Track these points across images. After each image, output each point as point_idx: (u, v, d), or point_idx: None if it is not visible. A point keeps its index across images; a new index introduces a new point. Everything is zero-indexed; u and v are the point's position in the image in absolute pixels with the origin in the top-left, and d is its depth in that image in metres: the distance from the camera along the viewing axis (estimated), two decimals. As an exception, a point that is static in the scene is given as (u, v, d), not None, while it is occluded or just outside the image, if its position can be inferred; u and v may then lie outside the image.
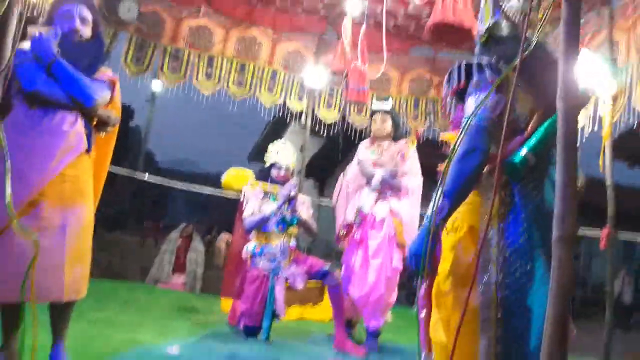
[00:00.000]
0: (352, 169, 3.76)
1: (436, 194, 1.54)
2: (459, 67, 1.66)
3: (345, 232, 3.63)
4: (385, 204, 3.49)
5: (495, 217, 1.54)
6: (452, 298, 1.58)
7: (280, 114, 5.37)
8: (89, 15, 2.24)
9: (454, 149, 1.52)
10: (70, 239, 2.04)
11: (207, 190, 6.14)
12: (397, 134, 3.69)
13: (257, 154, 19.09)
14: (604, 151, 3.41)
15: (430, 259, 1.53)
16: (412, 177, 3.57)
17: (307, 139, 5.36)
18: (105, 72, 2.31)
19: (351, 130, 5.33)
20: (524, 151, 1.51)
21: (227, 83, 5.05)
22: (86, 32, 2.23)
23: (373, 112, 3.71)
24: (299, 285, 3.35)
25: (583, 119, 3.71)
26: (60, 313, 2.12)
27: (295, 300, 4.23)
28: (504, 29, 1.68)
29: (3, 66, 1.75)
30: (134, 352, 2.66)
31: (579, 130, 3.58)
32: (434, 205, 1.53)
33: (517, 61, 1.40)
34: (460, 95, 1.68)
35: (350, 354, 3.17)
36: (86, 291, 2.14)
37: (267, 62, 5.15)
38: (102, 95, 2.22)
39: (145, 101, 17.22)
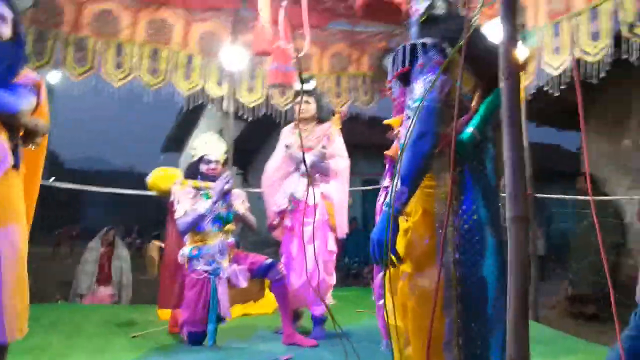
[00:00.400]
0: (277, 155, 3.64)
1: (393, 180, 1.54)
2: (404, 49, 1.64)
3: (279, 220, 3.49)
4: (316, 189, 3.42)
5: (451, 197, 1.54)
6: (407, 282, 1.58)
7: (199, 101, 5.01)
8: (7, 13, 1.97)
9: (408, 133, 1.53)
10: (6, 269, 1.80)
11: (122, 190, 5.69)
12: (321, 116, 3.60)
13: (170, 144, 18.28)
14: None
15: (394, 246, 1.54)
16: (340, 159, 3.55)
17: (230, 124, 5.07)
18: (27, 74, 2.03)
19: (274, 113, 5.11)
20: (470, 129, 1.56)
21: (140, 72, 4.62)
22: (5, 31, 1.96)
23: (297, 94, 3.59)
24: (242, 283, 3.18)
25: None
26: None
27: (236, 299, 4.05)
28: (441, 8, 1.70)
29: None
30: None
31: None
32: (391, 192, 1.53)
33: (463, 42, 1.40)
34: (403, 78, 1.67)
35: (301, 346, 3.09)
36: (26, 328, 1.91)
37: (181, 45, 4.75)
38: (26, 102, 1.95)
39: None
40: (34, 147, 2.07)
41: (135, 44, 4.59)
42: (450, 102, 1.55)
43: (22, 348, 2.74)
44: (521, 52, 3.48)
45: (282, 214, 3.48)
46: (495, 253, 1.55)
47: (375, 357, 2.26)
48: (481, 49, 1.56)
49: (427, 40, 1.59)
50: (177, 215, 3.16)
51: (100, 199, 20.97)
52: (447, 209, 1.47)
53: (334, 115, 3.67)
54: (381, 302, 1.79)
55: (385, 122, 1.96)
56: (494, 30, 3.17)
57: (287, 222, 3.44)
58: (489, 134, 1.65)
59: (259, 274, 3.27)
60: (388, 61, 1.75)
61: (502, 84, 1.22)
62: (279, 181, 3.57)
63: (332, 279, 3.50)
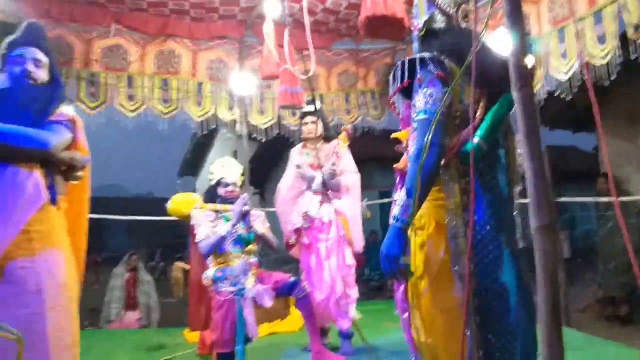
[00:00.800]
0: (288, 175, 3.74)
1: (399, 194, 1.58)
2: (402, 65, 1.67)
3: (295, 239, 3.56)
4: (329, 205, 3.52)
5: (459, 208, 1.57)
6: (429, 298, 1.59)
7: (212, 126, 5.15)
8: (43, 58, 2.11)
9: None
10: (50, 303, 1.87)
11: (142, 217, 5.82)
12: (327, 134, 3.72)
13: (186, 168, 18.57)
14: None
15: (401, 259, 1.54)
16: (349, 175, 3.64)
17: (244, 146, 5.19)
18: (62, 111, 2.14)
19: (286, 132, 5.23)
20: (475, 139, 1.54)
21: (152, 102, 4.78)
22: (41, 75, 2.10)
23: (302, 115, 3.70)
24: (267, 303, 3.23)
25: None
26: None
27: (263, 319, 4.11)
28: (440, 21, 1.72)
29: None
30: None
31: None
32: (397, 204, 1.56)
33: (471, 57, 1.43)
34: (406, 93, 1.69)
35: (331, 364, 3.12)
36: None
37: (190, 74, 4.93)
38: (59, 137, 2.04)
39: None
40: (75, 180, 2.16)
41: (146, 76, 4.75)
42: (452, 114, 1.59)
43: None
44: (528, 59, 3.54)
45: (297, 232, 3.55)
46: (510, 263, 1.54)
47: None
48: (483, 59, 1.56)
49: (425, 55, 1.62)
50: (198, 238, 3.24)
51: (121, 225, 21.25)
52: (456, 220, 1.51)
53: (340, 133, 3.76)
54: (405, 315, 1.80)
55: (393, 135, 1.98)
56: (499, 40, 3.25)
57: (305, 239, 3.51)
58: (500, 142, 1.65)
59: (283, 293, 3.32)
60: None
61: (515, 95, 1.24)
62: (293, 200, 3.66)
63: (355, 293, 3.55)
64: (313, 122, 3.63)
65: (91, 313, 7.05)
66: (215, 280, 3.26)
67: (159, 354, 3.62)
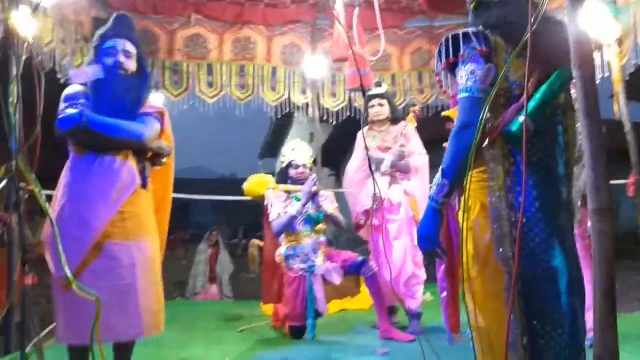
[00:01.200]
0: (356, 157, 3.77)
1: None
2: (447, 41, 1.61)
3: (363, 220, 3.61)
4: (398, 186, 3.54)
5: (502, 190, 1.50)
6: (479, 282, 1.55)
7: (286, 110, 5.30)
8: (132, 49, 2.27)
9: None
10: (140, 275, 2.11)
11: (223, 197, 6.13)
12: (394, 116, 3.69)
13: (267, 151, 19.20)
14: (617, 96, 3.30)
15: (437, 239, 1.55)
16: (418, 156, 3.63)
17: (317, 129, 5.30)
18: (153, 104, 2.35)
19: (357, 114, 5.26)
20: (520, 118, 1.44)
21: (230, 88, 5.02)
22: (131, 65, 2.26)
23: (370, 98, 3.70)
24: (336, 280, 3.35)
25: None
26: (124, 348, 2.21)
27: (333, 296, 4.24)
28: None
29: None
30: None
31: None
32: (434, 185, 1.54)
33: (528, 35, 1.34)
34: (452, 70, 1.63)
35: (398, 341, 3.19)
36: (163, 325, 2.23)
37: (265, 59, 5.09)
38: (151, 129, 2.24)
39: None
40: (160, 166, 2.36)
41: (224, 63, 4.98)
42: (497, 92, 1.48)
43: (147, 341, 3.14)
44: (613, 30, 3.28)
45: (367, 213, 3.60)
46: (560, 247, 1.46)
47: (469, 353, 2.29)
48: (538, 30, 1.41)
49: (469, 30, 1.55)
50: (270, 217, 3.42)
51: (208, 205, 22.43)
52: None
53: (407, 114, 3.73)
54: (444, 294, 1.79)
55: (444, 113, 1.91)
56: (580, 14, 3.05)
57: (375, 221, 3.55)
58: (557, 119, 1.55)
59: (351, 271, 3.43)
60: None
61: (574, 73, 1.19)
62: (361, 182, 3.70)
63: (423, 274, 3.57)
64: (380, 104, 3.64)
65: (179, 285, 7.62)
66: (287, 257, 3.43)
67: (237, 323, 3.86)
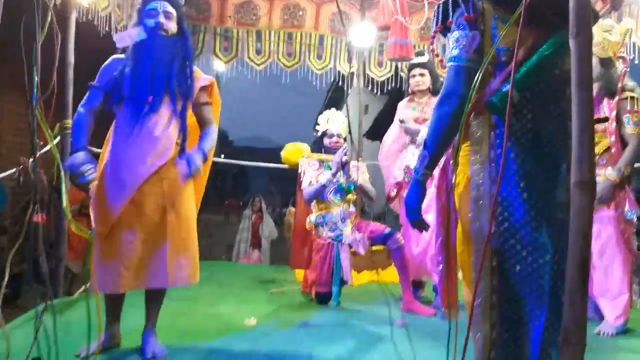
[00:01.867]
0: (393, 129, 3.70)
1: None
2: (438, 7, 1.56)
3: (395, 192, 3.58)
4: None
5: (486, 161, 1.43)
6: (467, 256, 1.51)
7: (336, 81, 5.28)
8: (173, 11, 2.35)
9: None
10: (171, 232, 2.23)
11: (257, 164, 6.22)
12: (435, 87, 3.57)
13: (323, 122, 19.13)
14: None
15: (419, 209, 1.53)
16: None
17: (361, 101, 5.24)
18: (202, 76, 2.45)
19: (404, 85, 5.13)
20: (505, 87, 1.36)
21: (277, 55, 5.06)
22: (171, 26, 2.34)
23: (411, 67, 3.59)
24: (362, 251, 3.37)
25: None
26: (154, 299, 2.34)
27: (364, 266, 4.26)
28: None
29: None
30: (214, 326, 2.83)
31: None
32: (418, 156, 1.52)
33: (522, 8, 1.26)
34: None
35: (419, 314, 3.19)
36: (197, 278, 2.34)
37: (313, 27, 5.06)
38: (212, 143, 2.46)
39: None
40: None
41: (272, 30, 5.01)
42: (482, 60, 1.41)
43: (181, 296, 3.32)
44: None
45: (399, 185, 3.56)
46: (546, 224, 1.38)
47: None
48: None
49: None
50: (303, 185, 3.48)
51: (264, 172, 22.92)
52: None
53: None
54: (440, 267, 1.76)
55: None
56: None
57: (404, 193, 3.51)
58: (554, 92, 1.44)
59: (377, 242, 3.43)
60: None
61: (571, 41, 1.12)
62: (396, 154, 3.65)
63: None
64: (421, 75, 3.54)
65: (228, 249, 7.94)
66: (316, 225, 3.48)
67: (270, 286, 4.01)
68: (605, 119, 2.77)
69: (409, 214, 1.55)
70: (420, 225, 1.57)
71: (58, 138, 3.21)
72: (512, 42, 1.38)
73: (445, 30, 1.54)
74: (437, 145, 1.48)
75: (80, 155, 2.21)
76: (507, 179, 1.39)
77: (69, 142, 2.99)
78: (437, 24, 1.54)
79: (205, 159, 2.40)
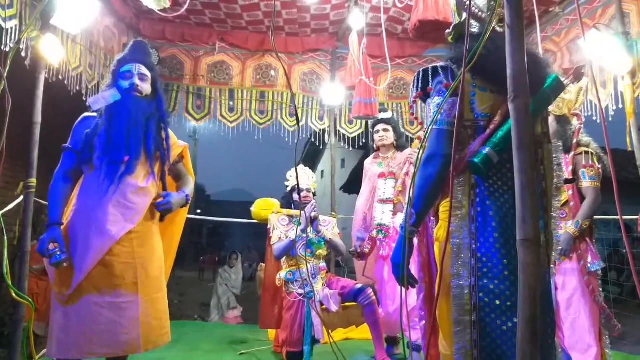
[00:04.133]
0: (364, 191, 3.78)
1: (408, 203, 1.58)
2: (418, 74, 1.66)
3: (369, 248, 3.58)
4: (401, 214, 3.49)
5: (466, 219, 1.51)
6: (446, 309, 1.55)
7: (309, 136, 5.40)
8: (147, 73, 2.39)
9: (417, 158, 1.54)
10: (142, 292, 2.16)
11: (229, 219, 6.19)
12: (399, 143, 3.69)
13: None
14: (629, 129, 3.19)
15: (407, 266, 1.56)
16: None
17: (333, 155, 5.34)
18: (178, 142, 2.51)
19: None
20: (486, 149, 1.48)
21: (250, 113, 5.16)
22: (146, 88, 2.38)
23: (375, 124, 3.71)
24: (333, 307, 3.32)
25: (605, 97, 3.53)
26: None
27: (338, 324, 4.19)
28: (472, 27, 1.65)
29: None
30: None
31: (603, 109, 3.37)
32: (404, 214, 1.58)
33: (462, 71, 1.39)
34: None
35: (391, 373, 3.12)
36: (169, 338, 2.27)
37: (285, 86, 5.23)
38: (191, 190, 2.49)
39: (189, 137, 17.83)
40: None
41: (245, 89, 5.15)
42: (464, 124, 1.53)
43: (145, 359, 3.19)
44: (626, 62, 3.20)
45: (372, 241, 3.56)
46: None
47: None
48: (503, 62, 1.43)
49: (438, 64, 1.61)
50: (272, 241, 3.45)
51: (240, 227, 22.71)
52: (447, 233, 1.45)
53: (412, 142, 3.72)
54: (422, 323, 1.78)
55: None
56: (591, 39, 2.98)
57: (382, 252, 3.52)
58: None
59: (349, 299, 3.39)
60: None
61: (509, 105, 1.20)
62: (369, 212, 3.68)
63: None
64: (385, 130, 3.65)
65: (203, 308, 7.72)
66: (287, 282, 3.43)
67: (240, 347, 3.88)
68: (573, 180, 2.87)
69: (396, 270, 1.56)
70: (407, 281, 1.57)
71: (21, 197, 3.17)
72: (489, 108, 1.52)
73: (424, 96, 1.64)
74: (423, 203, 1.54)
75: (51, 234, 2.11)
76: (486, 235, 1.46)
77: (32, 201, 2.94)
78: (417, 89, 1.64)
79: (187, 200, 2.41)
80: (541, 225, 1.52)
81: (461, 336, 1.43)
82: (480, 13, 1.67)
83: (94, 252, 2.09)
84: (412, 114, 1.82)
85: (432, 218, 1.76)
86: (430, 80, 1.60)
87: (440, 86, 1.56)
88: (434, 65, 1.62)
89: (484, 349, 1.41)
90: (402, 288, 1.63)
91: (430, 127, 1.54)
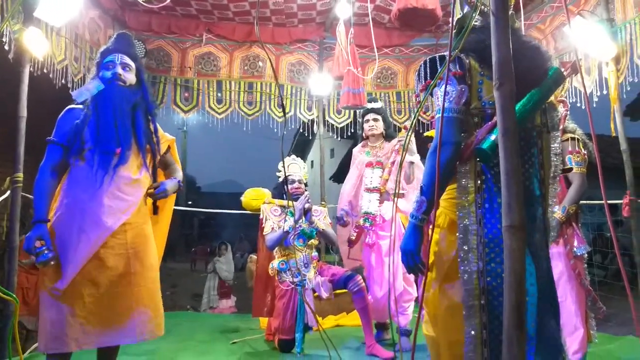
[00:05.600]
0: (351, 176, 3.80)
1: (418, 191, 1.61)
2: (425, 64, 1.68)
3: (355, 236, 3.62)
4: (390, 203, 3.53)
5: (472, 205, 1.55)
6: (436, 293, 1.59)
7: (298, 127, 5.41)
8: (131, 63, 2.38)
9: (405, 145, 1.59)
10: (137, 283, 2.18)
11: (219, 210, 6.25)
12: (388, 132, 3.71)
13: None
14: (613, 115, 3.24)
15: (418, 254, 1.59)
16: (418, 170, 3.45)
17: (322, 147, 5.36)
18: (165, 134, 2.52)
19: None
20: (493, 136, 1.49)
21: (238, 104, 5.15)
22: (129, 77, 2.36)
23: (365, 113, 3.72)
24: (325, 295, 3.37)
25: (590, 84, 3.58)
26: (107, 355, 2.27)
27: (329, 311, 4.24)
28: (473, 19, 1.66)
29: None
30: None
31: (589, 95, 3.41)
32: (414, 202, 1.60)
33: (446, 57, 1.45)
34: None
35: (380, 358, 3.19)
36: (162, 330, 2.27)
37: (272, 77, 5.22)
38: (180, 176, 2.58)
39: (178, 129, 17.74)
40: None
41: (233, 80, 5.14)
42: (471, 111, 1.57)
43: (138, 351, 3.22)
44: (610, 48, 3.24)
45: (359, 229, 3.60)
46: (530, 266, 1.47)
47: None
48: (513, 54, 1.42)
49: (445, 53, 1.60)
50: (264, 231, 3.48)
51: (232, 218, 22.70)
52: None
53: (399, 131, 3.74)
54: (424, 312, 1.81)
55: (426, 134, 2.00)
56: (574, 30, 3.01)
57: (368, 239, 3.55)
58: (531, 140, 1.59)
59: (339, 286, 3.44)
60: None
61: (494, 92, 1.23)
62: (354, 199, 3.72)
63: (414, 291, 3.54)
64: (375, 120, 3.67)
65: (195, 298, 7.75)
66: (279, 271, 3.47)
67: (232, 336, 3.91)
68: (570, 169, 2.91)
69: (407, 259, 1.58)
70: (417, 270, 1.59)
71: (8, 192, 3.15)
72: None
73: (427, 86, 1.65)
74: (434, 192, 1.54)
75: (38, 231, 2.07)
76: (493, 221, 1.50)
77: (20, 196, 2.92)
78: (426, 78, 1.66)
79: (180, 185, 2.47)
80: (540, 212, 1.58)
81: (471, 320, 1.47)
82: (482, 7, 1.70)
83: (89, 245, 2.09)
84: (419, 102, 1.81)
85: None
86: (439, 68, 1.62)
87: (449, 74, 1.57)
88: (440, 54, 1.65)
89: (492, 331, 1.45)
90: (390, 274, 1.66)
91: (438, 116, 1.56)
